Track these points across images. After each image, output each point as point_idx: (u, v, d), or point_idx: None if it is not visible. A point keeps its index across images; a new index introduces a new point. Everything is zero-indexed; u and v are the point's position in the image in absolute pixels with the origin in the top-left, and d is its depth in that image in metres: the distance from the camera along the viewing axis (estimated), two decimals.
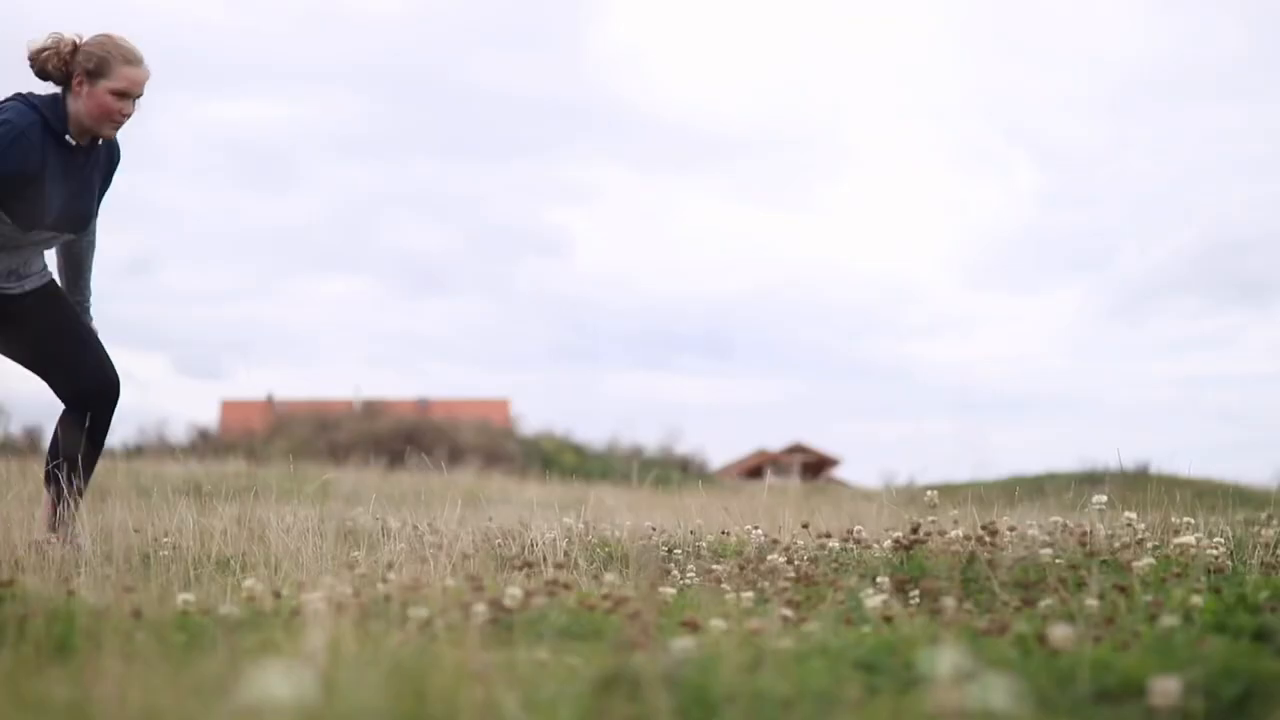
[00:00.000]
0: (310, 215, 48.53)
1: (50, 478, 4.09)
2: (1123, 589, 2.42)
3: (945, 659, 1.35)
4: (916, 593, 2.64)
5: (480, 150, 49.28)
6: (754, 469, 29.92)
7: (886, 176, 52.04)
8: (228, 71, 46.33)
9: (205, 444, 24.16)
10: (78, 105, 4.07)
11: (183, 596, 2.37)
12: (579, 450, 27.75)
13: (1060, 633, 1.78)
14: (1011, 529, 3.39)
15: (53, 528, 4.00)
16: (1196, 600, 2.24)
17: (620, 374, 45.65)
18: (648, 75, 49.75)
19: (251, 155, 47.75)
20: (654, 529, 4.52)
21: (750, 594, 2.67)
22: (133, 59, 4.13)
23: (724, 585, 3.02)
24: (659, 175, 51.90)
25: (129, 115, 4.16)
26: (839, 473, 31.06)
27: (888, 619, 2.25)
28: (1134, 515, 3.65)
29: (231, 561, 3.56)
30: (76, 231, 4.17)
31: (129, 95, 4.11)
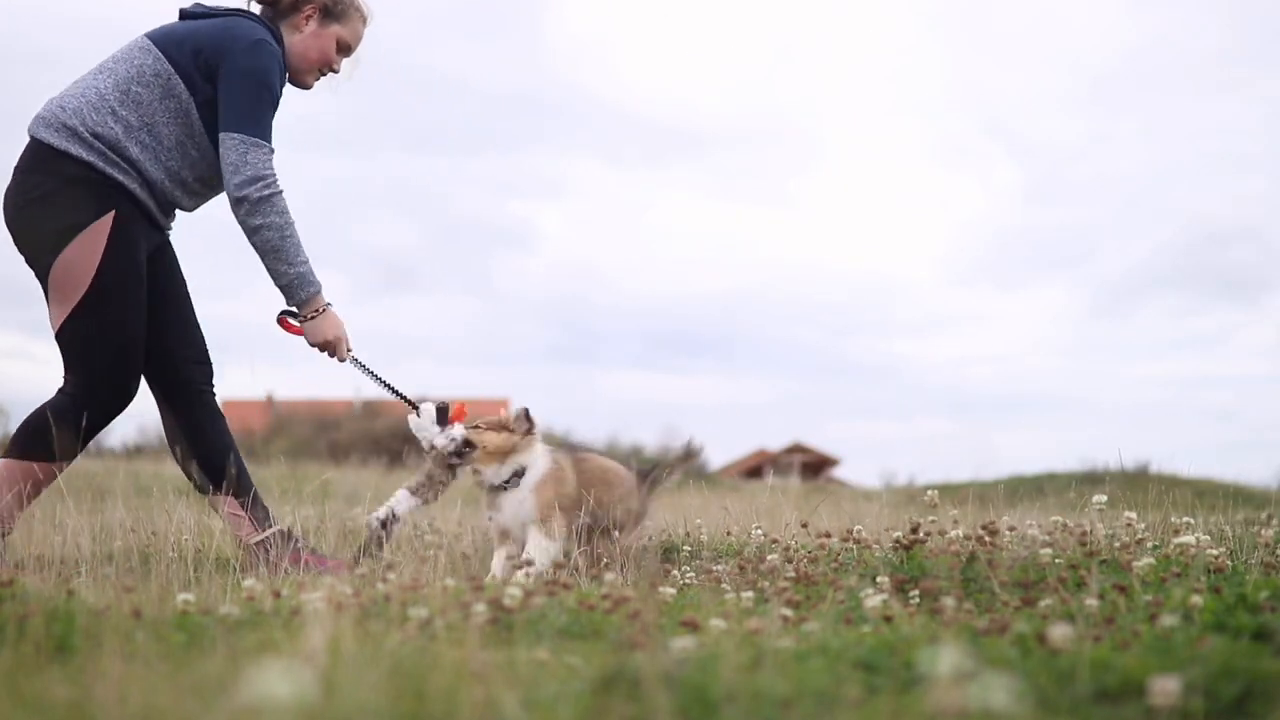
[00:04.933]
0: None
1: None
2: (1123, 589, 2.42)
3: (945, 659, 1.35)
4: (916, 593, 2.64)
5: (444, 143, 48.77)
6: (754, 469, 29.91)
7: (865, 172, 51.84)
8: None
9: None
10: (295, 41, 3.51)
11: (183, 596, 2.36)
12: None
13: (1060, 632, 1.78)
14: (1011, 529, 3.39)
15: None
16: (1196, 600, 2.24)
17: (619, 374, 45.58)
18: (611, 66, 49.35)
19: None
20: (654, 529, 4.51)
21: (750, 594, 2.67)
22: (366, 16, 3.63)
23: (724, 585, 3.02)
24: (630, 169, 51.67)
25: (335, 73, 3.63)
26: (839, 473, 31.08)
27: (888, 619, 2.25)
28: (1134, 515, 3.66)
29: (231, 561, 3.56)
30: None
31: (347, 51, 3.61)
